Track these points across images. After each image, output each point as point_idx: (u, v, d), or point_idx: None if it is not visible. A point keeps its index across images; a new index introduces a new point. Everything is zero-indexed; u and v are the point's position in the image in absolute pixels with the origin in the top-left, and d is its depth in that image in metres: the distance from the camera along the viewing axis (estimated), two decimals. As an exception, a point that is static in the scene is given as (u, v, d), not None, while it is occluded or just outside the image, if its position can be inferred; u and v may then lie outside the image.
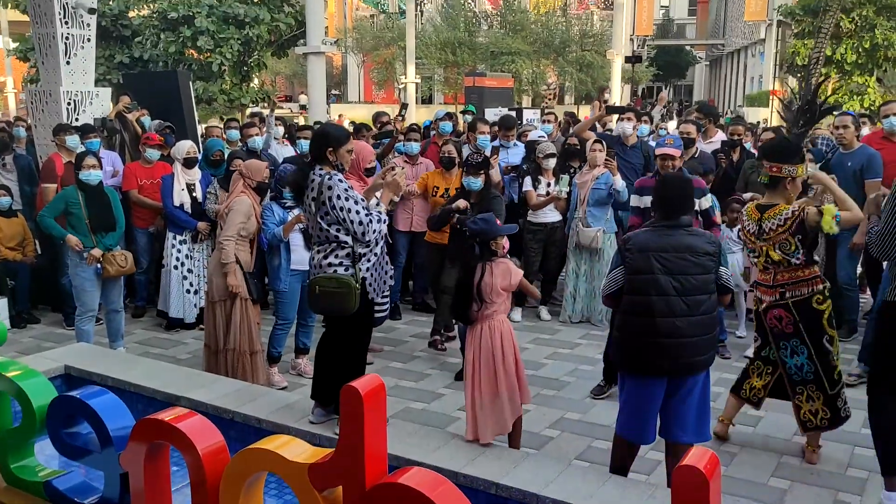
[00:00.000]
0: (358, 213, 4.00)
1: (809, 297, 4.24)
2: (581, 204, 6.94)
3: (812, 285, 4.24)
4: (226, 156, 7.46)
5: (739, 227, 4.42)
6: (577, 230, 6.94)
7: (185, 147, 6.92)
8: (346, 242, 4.04)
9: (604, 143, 7.00)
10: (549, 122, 9.26)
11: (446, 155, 6.59)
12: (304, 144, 7.31)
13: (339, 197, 3.97)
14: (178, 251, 6.85)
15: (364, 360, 4.31)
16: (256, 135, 7.74)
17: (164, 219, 7.13)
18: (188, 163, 6.85)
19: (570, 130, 8.89)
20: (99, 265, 5.92)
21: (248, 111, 15.05)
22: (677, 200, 3.79)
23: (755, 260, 4.40)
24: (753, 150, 7.98)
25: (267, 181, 5.54)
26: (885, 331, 3.89)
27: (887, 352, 3.87)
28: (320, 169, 4.05)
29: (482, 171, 5.79)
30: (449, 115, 9.06)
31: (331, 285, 3.99)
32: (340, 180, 4.03)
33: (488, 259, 4.10)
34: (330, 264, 4.04)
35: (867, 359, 5.39)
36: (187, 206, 6.81)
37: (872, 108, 19.01)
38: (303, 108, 36.59)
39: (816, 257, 4.36)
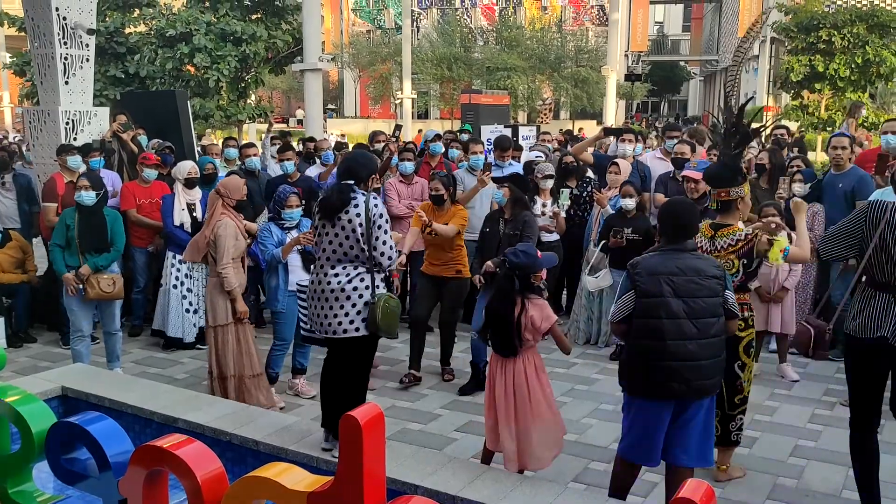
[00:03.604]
0: (389, 238, 4.09)
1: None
2: (594, 224, 6.98)
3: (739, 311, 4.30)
4: (220, 172, 7.51)
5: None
6: (588, 251, 6.97)
7: (186, 167, 6.96)
8: (380, 265, 4.11)
9: (619, 165, 7.03)
10: (545, 141, 9.30)
11: (433, 192, 6.22)
12: (289, 166, 7.36)
13: (381, 216, 4.05)
14: (178, 270, 6.88)
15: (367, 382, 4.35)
16: (254, 155, 7.78)
17: (162, 238, 7.15)
18: (189, 183, 6.88)
19: (568, 149, 8.96)
20: (82, 287, 5.92)
21: (271, 129, 14.99)
22: (684, 224, 3.81)
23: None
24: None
25: (245, 199, 5.54)
26: (846, 363, 4.00)
27: (851, 384, 3.97)
28: (361, 191, 4.09)
29: (505, 185, 5.77)
30: (438, 136, 9.11)
31: (393, 305, 4.06)
32: (383, 203, 4.17)
33: (528, 294, 4.09)
34: (367, 287, 4.05)
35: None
36: (187, 226, 6.84)
37: (865, 124, 19.15)
38: (299, 122, 36.72)
39: (750, 286, 4.41)
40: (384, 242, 4.06)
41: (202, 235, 5.35)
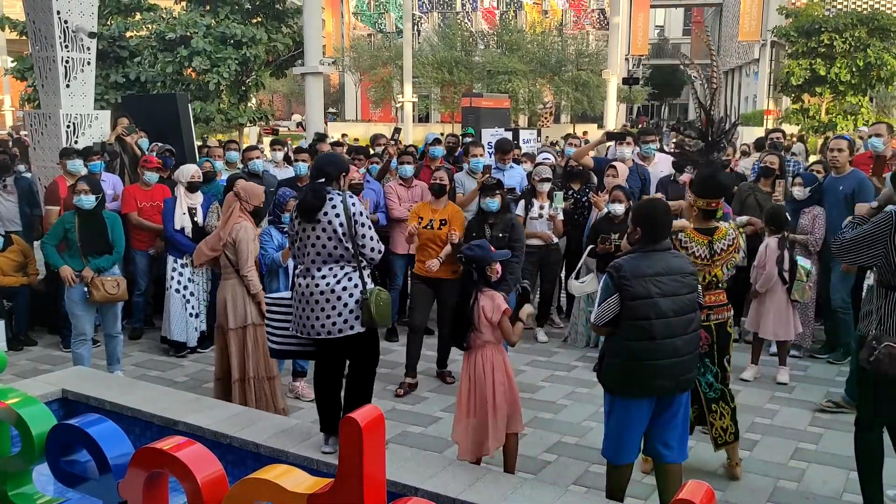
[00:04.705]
0: (372, 231, 4.14)
1: (725, 321, 4.46)
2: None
3: (728, 309, 4.48)
4: (222, 174, 7.51)
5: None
6: (586, 253, 6.96)
7: (189, 171, 6.93)
8: (373, 259, 4.16)
9: (616, 167, 7.04)
10: (573, 145, 9.25)
11: (437, 182, 6.22)
12: (303, 167, 7.35)
13: (360, 213, 4.10)
14: (181, 275, 6.84)
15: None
16: (257, 157, 7.79)
17: (163, 241, 7.15)
18: (191, 187, 6.87)
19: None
20: (86, 289, 5.93)
21: (270, 139, 15.09)
22: (659, 225, 3.85)
23: None
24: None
25: (263, 206, 5.55)
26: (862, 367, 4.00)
27: (865, 385, 4.00)
28: (335, 190, 4.13)
29: (498, 192, 5.95)
30: (438, 140, 9.11)
31: (385, 298, 4.10)
32: (360, 201, 4.22)
33: (482, 286, 4.21)
34: (356, 285, 4.06)
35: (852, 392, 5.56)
36: (188, 230, 6.80)
37: (867, 127, 19.19)
38: (299, 125, 36.74)
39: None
40: (371, 238, 4.11)
41: (216, 237, 5.34)
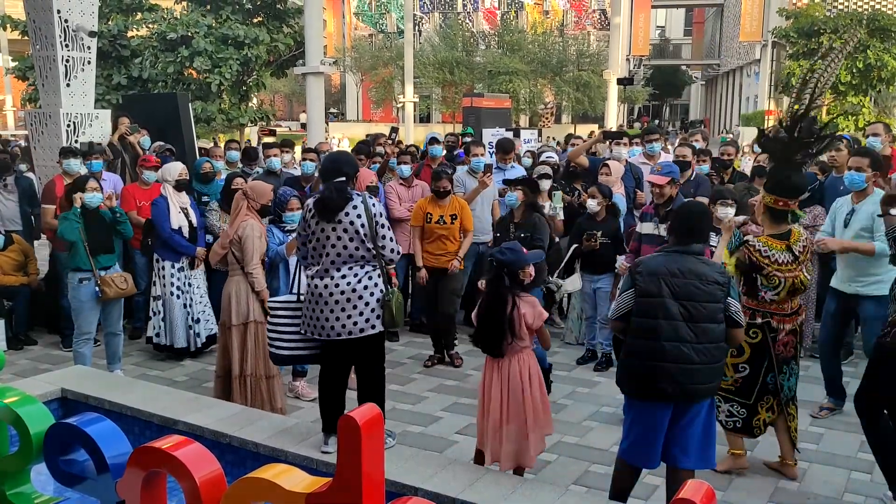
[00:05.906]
0: (390, 231, 4.14)
1: (802, 321, 4.46)
2: None
3: (803, 310, 4.45)
4: (222, 175, 7.50)
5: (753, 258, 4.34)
6: (571, 251, 6.95)
7: (177, 169, 6.80)
8: (392, 261, 4.17)
9: (609, 166, 7.04)
10: (574, 146, 9.26)
11: (441, 189, 6.52)
12: (309, 166, 7.38)
13: (381, 214, 4.09)
14: (179, 280, 6.70)
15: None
16: (274, 155, 7.81)
17: (150, 240, 6.96)
18: (179, 185, 6.77)
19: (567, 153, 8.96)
20: (97, 288, 5.92)
21: (268, 139, 15.14)
22: (692, 228, 3.79)
23: (774, 293, 4.32)
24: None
25: (270, 204, 5.55)
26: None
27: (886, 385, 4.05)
28: (355, 192, 4.12)
29: (519, 187, 5.97)
30: (436, 139, 9.11)
31: (401, 299, 4.14)
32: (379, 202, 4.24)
33: (518, 291, 4.08)
34: (375, 284, 4.05)
35: (833, 391, 5.60)
36: (185, 231, 6.70)
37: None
38: (303, 126, 36.77)
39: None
40: (391, 239, 4.11)
41: (225, 235, 5.38)
